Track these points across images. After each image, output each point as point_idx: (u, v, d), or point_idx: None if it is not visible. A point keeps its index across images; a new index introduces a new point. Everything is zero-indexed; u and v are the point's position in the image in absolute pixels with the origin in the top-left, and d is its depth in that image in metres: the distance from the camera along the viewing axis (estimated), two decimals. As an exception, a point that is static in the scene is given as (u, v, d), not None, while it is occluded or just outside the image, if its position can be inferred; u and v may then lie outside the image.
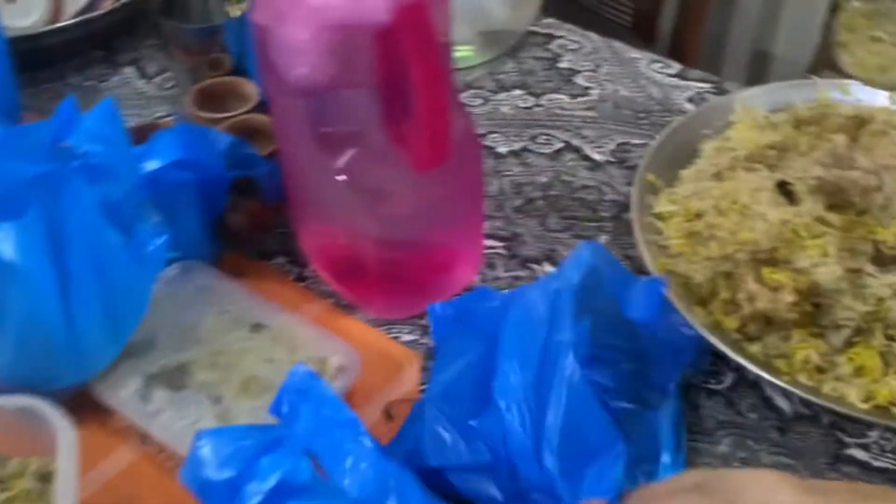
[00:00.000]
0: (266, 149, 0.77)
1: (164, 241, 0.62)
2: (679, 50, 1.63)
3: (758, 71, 1.95)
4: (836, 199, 0.68)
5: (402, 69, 0.59)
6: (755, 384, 0.67)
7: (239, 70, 0.89)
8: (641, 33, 1.67)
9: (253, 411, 0.62)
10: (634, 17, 1.68)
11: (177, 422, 0.62)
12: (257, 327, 0.68)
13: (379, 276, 0.68)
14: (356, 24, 0.58)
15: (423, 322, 0.72)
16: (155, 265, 0.63)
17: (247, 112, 0.84)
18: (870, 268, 0.64)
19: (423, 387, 0.67)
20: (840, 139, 0.71)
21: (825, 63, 1.56)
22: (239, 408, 0.62)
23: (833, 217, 0.66)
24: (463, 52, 0.97)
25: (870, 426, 0.63)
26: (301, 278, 0.76)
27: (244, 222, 0.74)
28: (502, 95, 0.96)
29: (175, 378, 0.64)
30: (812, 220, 0.65)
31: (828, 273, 0.63)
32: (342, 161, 0.63)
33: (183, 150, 0.66)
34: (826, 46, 1.55)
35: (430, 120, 0.60)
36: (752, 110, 0.83)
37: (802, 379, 0.63)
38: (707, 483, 0.46)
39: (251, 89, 0.86)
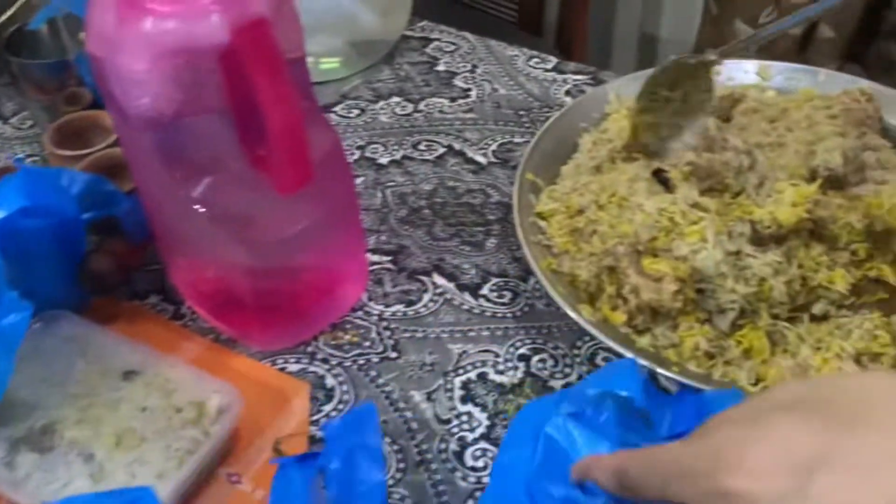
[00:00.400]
0: (130, 184, 0.73)
1: (26, 315, 0.57)
2: (566, 40, 1.64)
3: (647, 55, 1.97)
4: (711, 182, 0.68)
5: (253, 90, 0.56)
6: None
7: (99, 103, 0.85)
8: (527, 27, 1.66)
9: (128, 466, 0.58)
10: (519, 12, 1.68)
11: (46, 486, 0.58)
12: (129, 375, 0.64)
13: (256, 308, 0.65)
14: (195, 48, 0.55)
15: (310, 349, 0.69)
16: (15, 338, 0.58)
17: (108, 146, 0.79)
18: (749, 248, 0.64)
19: (314, 418, 0.65)
20: (711, 122, 0.71)
21: (709, 41, 1.59)
22: (113, 463, 0.58)
23: (708, 201, 0.65)
24: (329, 65, 0.95)
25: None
26: (178, 316, 0.72)
27: (109, 264, 0.70)
28: (380, 104, 0.94)
29: (42, 439, 0.60)
30: (688, 206, 0.65)
31: (707, 258, 0.63)
32: (199, 191, 0.59)
33: (27, 197, 0.61)
34: (708, 24, 1.58)
35: (285, 140, 0.57)
36: (626, 100, 0.83)
37: (693, 367, 0.62)
38: (812, 397, 0.34)
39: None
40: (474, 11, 1.71)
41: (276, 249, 0.63)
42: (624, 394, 0.52)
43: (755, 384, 0.61)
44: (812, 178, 0.68)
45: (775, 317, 0.64)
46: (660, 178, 0.70)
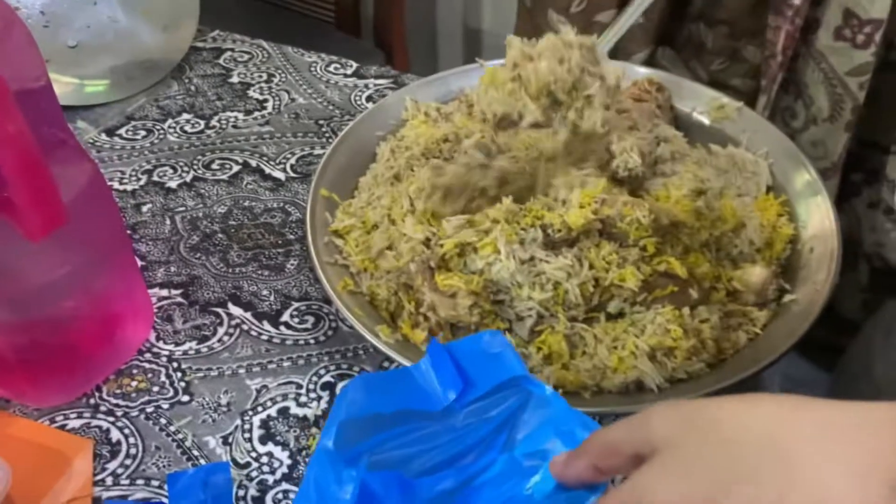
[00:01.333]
0: None
1: None
2: (386, 38, 1.61)
3: (473, 47, 1.97)
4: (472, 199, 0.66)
5: (-22, 129, 0.50)
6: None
7: None
8: (345, 27, 1.62)
9: None
10: (336, 12, 1.64)
11: None
12: None
13: (21, 366, 0.59)
14: None
15: (93, 402, 0.64)
16: None
17: None
18: (542, 254, 0.62)
19: (98, 477, 0.59)
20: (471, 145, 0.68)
21: (525, 32, 1.60)
22: None
23: (496, 212, 0.63)
24: (95, 88, 0.88)
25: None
26: (-61, 379, 0.65)
27: None
28: (168, 123, 0.88)
29: None
30: (457, 229, 0.63)
31: (502, 270, 0.61)
32: (-70, 246, 0.53)
33: None
34: (523, 15, 1.58)
35: (23, 181, 0.51)
36: (422, 105, 0.81)
37: (495, 379, 0.60)
38: (678, 449, 0.35)
39: None
40: (290, 13, 1.66)
41: (34, 300, 0.57)
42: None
43: (556, 390, 0.60)
44: (613, 180, 0.68)
45: (573, 319, 0.63)
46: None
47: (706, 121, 0.80)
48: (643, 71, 0.82)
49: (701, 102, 0.81)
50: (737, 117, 0.79)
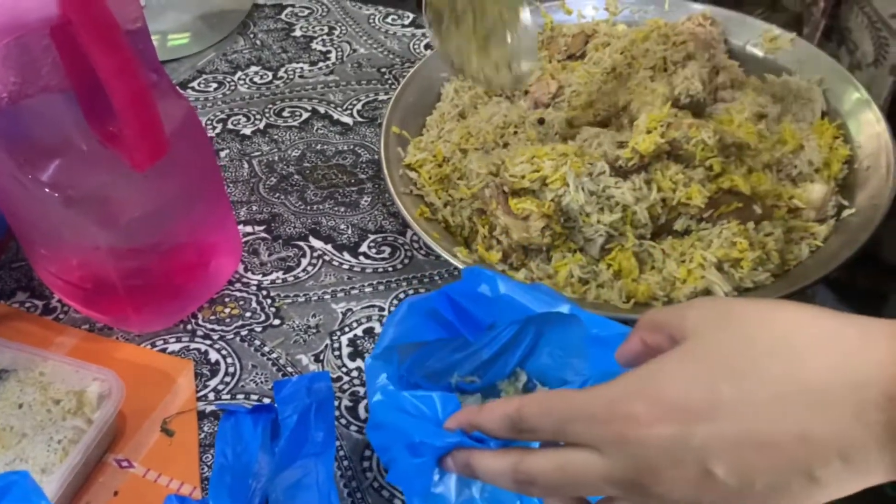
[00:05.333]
0: (-21, 180, 0.70)
1: None
2: None
3: None
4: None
5: (91, 63, 0.54)
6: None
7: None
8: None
9: (10, 465, 0.56)
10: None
11: (-77, 500, 0.55)
12: (1, 374, 0.61)
13: (127, 291, 0.63)
14: (22, 25, 0.52)
15: (190, 327, 0.68)
16: None
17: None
18: (612, 181, 0.65)
19: (200, 393, 0.64)
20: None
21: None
22: (-8, 466, 0.56)
23: (566, 147, 0.66)
24: (179, 41, 0.92)
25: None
26: (48, 311, 0.69)
27: (-35, 264, 0.66)
28: (238, 75, 0.92)
29: (-88, 452, 0.57)
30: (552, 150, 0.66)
31: (571, 202, 0.64)
32: (48, 175, 0.57)
33: None
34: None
35: (132, 111, 0.55)
36: (483, 45, 0.84)
37: (568, 293, 0.64)
38: (703, 340, 0.36)
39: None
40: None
41: (138, 227, 0.61)
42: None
43: (626, 301, 0.63)
44: (675, 106, 0.70)
45: (641, 237, 0.66)
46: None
47: (760, 53, 0.83)
48: (698, 7, 0.84)
49: (754, 35, 0.83)
50: (790, 48, 0.81)
